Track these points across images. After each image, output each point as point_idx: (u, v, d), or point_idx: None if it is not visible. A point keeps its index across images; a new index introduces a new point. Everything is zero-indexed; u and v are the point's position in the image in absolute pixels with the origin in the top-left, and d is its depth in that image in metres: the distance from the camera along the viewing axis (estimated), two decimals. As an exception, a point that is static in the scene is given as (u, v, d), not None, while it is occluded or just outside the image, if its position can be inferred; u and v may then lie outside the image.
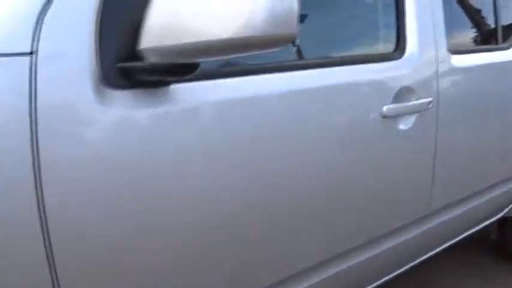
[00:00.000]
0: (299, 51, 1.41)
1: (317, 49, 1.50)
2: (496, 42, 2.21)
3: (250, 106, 1.18)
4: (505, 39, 2.23)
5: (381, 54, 1.66)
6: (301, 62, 1.41)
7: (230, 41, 0.82)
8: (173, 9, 0.85)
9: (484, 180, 2.18)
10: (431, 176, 1.83)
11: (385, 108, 1.55)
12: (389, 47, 1.69)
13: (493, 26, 2.22)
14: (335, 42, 1.55)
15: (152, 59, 0.93)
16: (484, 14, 2.24)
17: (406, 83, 1.63)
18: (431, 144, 1.78)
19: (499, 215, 2.44)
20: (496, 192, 2.28)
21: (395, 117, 1.59)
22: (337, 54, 1.55)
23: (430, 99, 1.71)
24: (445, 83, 1.78)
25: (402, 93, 1.61)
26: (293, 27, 0.83)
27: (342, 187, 1.49)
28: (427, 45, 1.73)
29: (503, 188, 2.36)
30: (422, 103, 1.68)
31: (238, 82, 1.17)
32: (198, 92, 1.07)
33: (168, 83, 1.01)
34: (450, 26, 1.92)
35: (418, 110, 1.68)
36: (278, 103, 1.26)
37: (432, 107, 1.72)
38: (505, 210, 2.48)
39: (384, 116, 1.55)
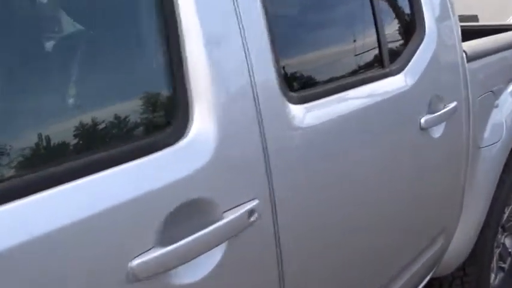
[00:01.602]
0: None
1: None
2: (382, 66, 1.45)
3: None
4: (392, 60, 1.47)
5: (137, 145, 0.81)
6: None
7: None
8: None
9: (390, 270, 1.50)
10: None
11: (134, 264, 0.74)
12: (157, 125, 0.88)
13: (375, 43, 1.45)
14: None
15: None
16: (360, 28, 1.48)
17: (192, 193, 0.82)
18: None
19: (424, 282, 1.78)
20: (414, 268, 1.64)
21: (162, 274, 0.78)
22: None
23: (253, 203, 0.90)
24: (284, 165, 0.98)
25: (184, 218, 0.80)
26: None
27: None
28: (236, 101, 0.92)
29: (421, 260, 1.68)
30: (237, 224, 0.87)
31: None
32: None
33: None
34: (291, 50, 1.15)
35: (227, 237, 0.87)
36: None
37: (258, 219, 0.91)
38: (428, 277, 1.81)
39: (137, 280, 0.74)
